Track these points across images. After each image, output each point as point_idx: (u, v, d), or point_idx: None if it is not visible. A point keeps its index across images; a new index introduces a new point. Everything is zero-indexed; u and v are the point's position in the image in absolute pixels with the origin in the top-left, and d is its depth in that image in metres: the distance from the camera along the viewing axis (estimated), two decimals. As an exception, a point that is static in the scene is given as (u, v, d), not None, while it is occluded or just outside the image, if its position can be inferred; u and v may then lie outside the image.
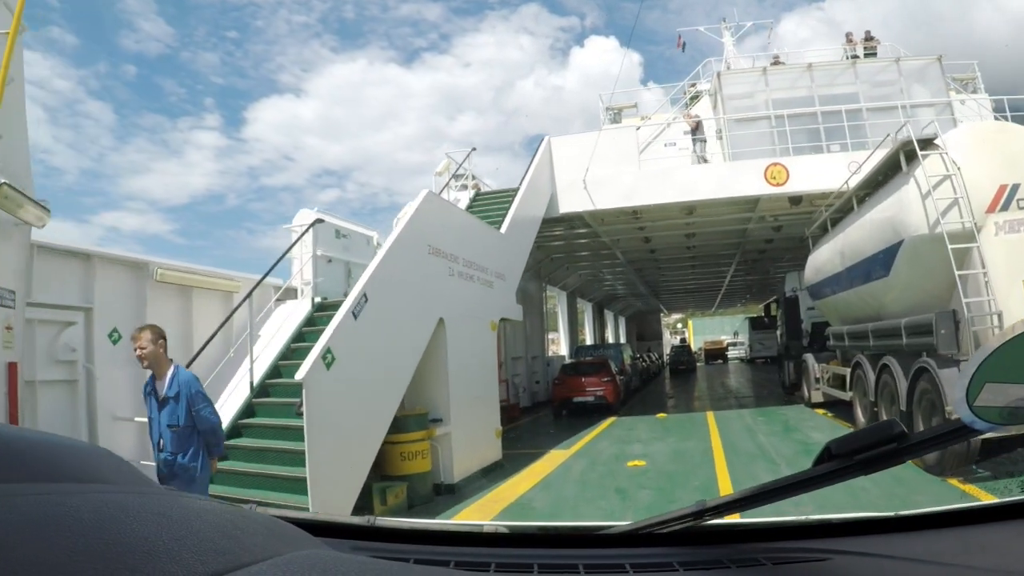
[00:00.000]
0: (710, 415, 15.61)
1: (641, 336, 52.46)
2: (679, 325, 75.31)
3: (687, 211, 17.09)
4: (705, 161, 16.04)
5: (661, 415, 16.29)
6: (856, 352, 11.38)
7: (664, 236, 20.66)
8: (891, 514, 1.15)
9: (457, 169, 16.68)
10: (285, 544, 0.74)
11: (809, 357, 15.58)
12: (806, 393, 16.03)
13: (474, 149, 16.88)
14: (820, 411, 14.19)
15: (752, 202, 16.56)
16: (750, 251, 23.73)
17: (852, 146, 15.68)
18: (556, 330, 30.04)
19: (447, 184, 16.19)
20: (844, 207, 11.98)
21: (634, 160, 15.91)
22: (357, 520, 1.29)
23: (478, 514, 7.44)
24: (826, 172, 14.99)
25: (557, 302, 28.74)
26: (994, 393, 0.83)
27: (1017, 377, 0.82)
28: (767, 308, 21.10)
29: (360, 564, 0.70)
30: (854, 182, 11.91)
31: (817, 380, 14.83)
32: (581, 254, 23.51)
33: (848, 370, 11.70)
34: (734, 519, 1.16)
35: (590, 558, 1.13)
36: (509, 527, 1.33)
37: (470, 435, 9.56)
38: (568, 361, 21.25)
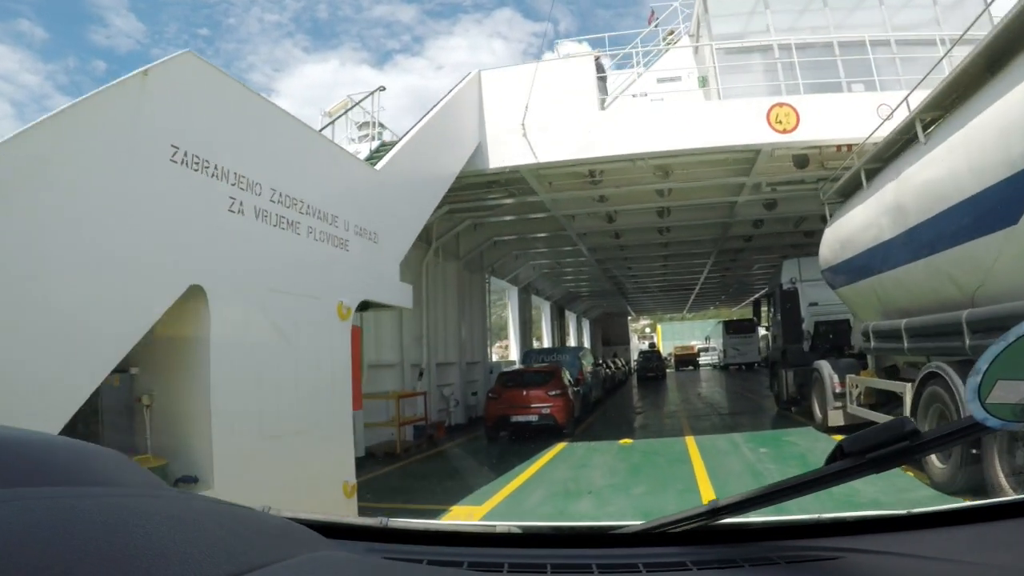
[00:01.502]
0: (690, 442, 11.53)
1: (607, 340, 49.16)
2: (648, 330, 71.84)
3: (661, 172, 13.01)
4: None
5: (625, 441, 12.17)
6: (924, 358, 7.39)
7: (632, 215, 16.61)
8: (904, 512, 1.13)
9: (351, 108, 12.35)
10: (298, 546, 0.76)
11: (823, 365, 11.59)
12: (817, 412, 12.05)
13: (382, 88, 12.60)
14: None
15: (747, 159, 12.62)
16: (734, 239, 19.86)
17: (880, 86, 11.80)
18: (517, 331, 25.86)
19: (335, 123, 11.90)
20: (882, 154, 8.20)
21: (592, 102, 11.77)
22: (369, 521, 1.30)
23: None
24: (847, 117, 11.20)
25: (507, 298, 24.53)
26: (1007, 390, 0.81)
27: None
28: (756, 305, 16.91)
29: (373, 566, 0.80)
30: (884, 132, 8.45)
31: (838, 396, 10.83)
32: (533, 237, 19.40)
33: (908, 385, 7.67)
34: (746, 518, 1.14)
35: (603, 558, 1.12)
36: (522, 527, 1.30)
37: (281, 498, 5.22)
38: (509, 368, 16.97)
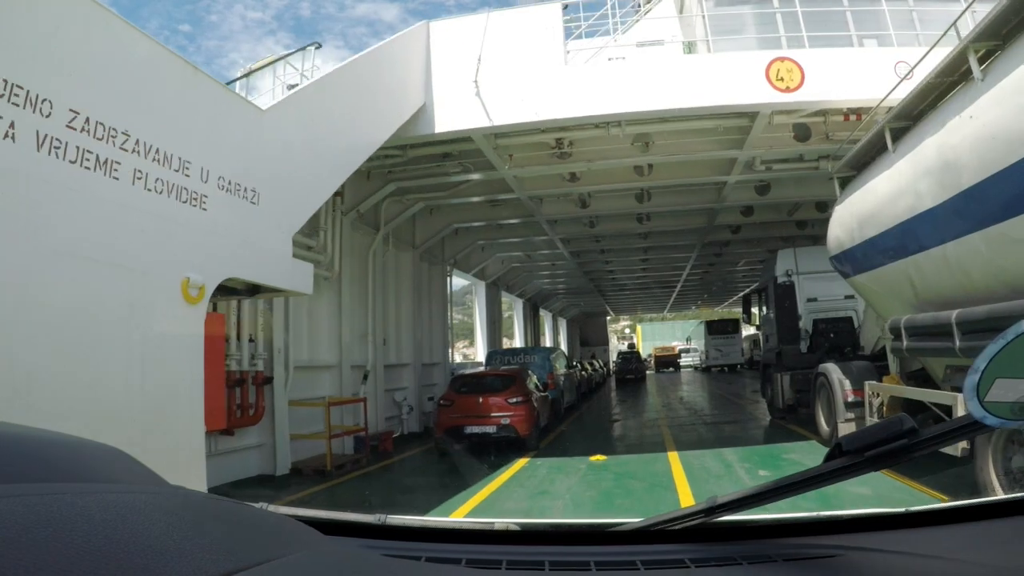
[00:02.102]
0: (674, 460, 9.69)
1: (585, 341, 47.69)
2: (627, 330, 70.31)
3: (640, 144, 11.16)
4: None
5: (597, 457, 10.27)
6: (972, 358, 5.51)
7: (607, 199, 14.79)
8: (902, 510, 1.14)
9: (275, 61, 10.33)
10: (296, 543, 0.76)
11: (832, 369, 9.78)
12: (822, 424, 10.28)
13: (317, 45, 10.59)
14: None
15: (741, 128, 10.84)
16: (721, 229, 18.11)
17: (896, 41, 10.08)
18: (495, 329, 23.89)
19: (255, 79, 9.91)
20: (913, 108, 6.52)
21: (557, 56, 9.88)
22: (367, 518, 1.28)
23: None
24: (859, 75, 9.50)
25: (474, 295, 22.58)
26: (1005, 388, 0.81)
27: None
28: (746, 301, 15.06)
29: (371, 563, 0.80)
30: (902, 92, 7.05)
31: (852, 406, 9.03)
32: (499, 226, 17.51)
33: (958, 396, 5.87)
34: (745, 516, 1.15)
35: (601, 555, 1.12)
36: (520, 524, 1.29)
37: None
38: (465, 372, 15.00)
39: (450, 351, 18.56)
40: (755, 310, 15.41)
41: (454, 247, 18.30)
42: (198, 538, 0.63)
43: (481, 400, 11.65)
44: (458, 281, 21.28)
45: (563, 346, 42.61)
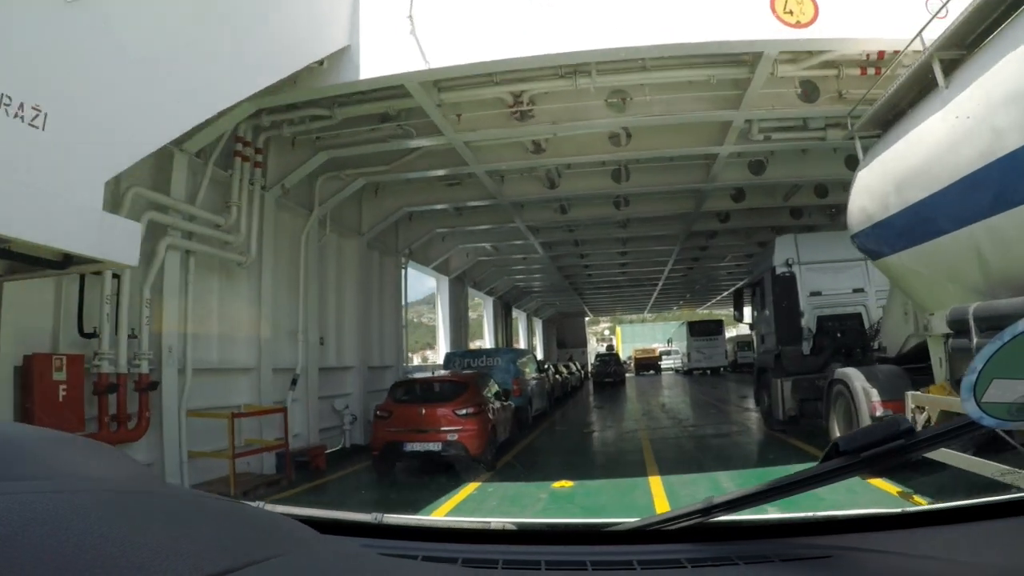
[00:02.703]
0: (656, 486, 7.82)
1: (562, 343, 45.99)
2: (607, 332, 68.63)
3: (616, 102, 9.24)
4: None
5: (562, 484, 8.31)
6: None
7: (579, 178, 12.88)
8: (897, 510, 1.14)
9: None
10: (292, 542, 0.76)
11: (854, 375, 7.90)
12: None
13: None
14: (891, 488, 6.40)
15: (737, 83, 9.00)
16: (707, 217, 16.30)
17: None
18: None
19: None
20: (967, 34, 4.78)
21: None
22: (364, 517, 1.29)
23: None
24: (882, 9, 7.62)
25: (436, 291, 20.54)
26: (1002, 389, 0.81)
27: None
28: (737, 296, 13.07)
29: (368, 562, 0.81)
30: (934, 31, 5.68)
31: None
32: (458, 211, 15.55)
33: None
34: (741, 516, 1.16)
35: (598, 555, 1.12)
36: (517, 524, 1.30)
37: None
38: (409, 376, 12.90)
39: (405, 353, 16.51)
40: (748, 307, 13.51)
41: (409, 235, 16.26)
42: (194, 536, 0.62)
43: (424, 411, 9.67)
44: (429, 282, 19.31)
45: (538, 348, 40.76)
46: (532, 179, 12.88)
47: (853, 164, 13.67)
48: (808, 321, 11.22)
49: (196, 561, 0.59)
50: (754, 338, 13.91)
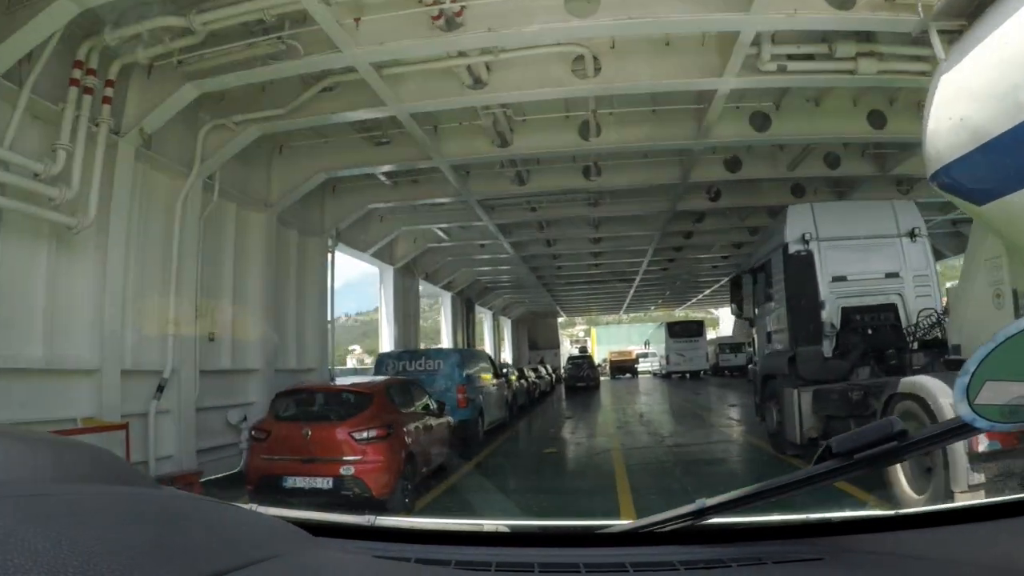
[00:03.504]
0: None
1: (534, 344, 43.63)
2: (582, 334, 66.08)
3: (580, 65, 6.58)
4: None
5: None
6: None
7: (535, 124, 10.18)
8: (891, 512, 1.14)
9: None
10: (286, 544, 0.77)
11: (936, 388, 5.22)
12: (906, 488, 5.63)
13: None
14: None
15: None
16: (694, 192, 13.68)
17: None
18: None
19: None
20: None
21: None
22: (357, 519, 1.29)
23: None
24: None
25: (380, 284, 17.68)
26: (995, 391, 0.81)
27: (1018, 374, 0.80)
28: (734, 285, 10.28)
29: (361, 564, 0.80)
30: None
31: (987, 458, 4.58)
32: (396, 180, 12.79)
33: None
34: (734, 518, 1.15)
35: (591, 558, 1.12)
36: (510, 526, 1.29)
37: None
38: (300, 384, 9.95)
39: (332, 354, 13.67)
40: (748, 299, 10.83)
41: (337, 211, 13.44)
42: (188, 538, 0.62)
43: (311, 433, 6.91)
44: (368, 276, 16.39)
45: (507, 350, 38.06)
46: (476, 132, 10.13)
47: (879, 122, 11.27)
48: (830, 314, 8.66)
49: (190, 562, 0.58)
50: (754, 337, 11.23)
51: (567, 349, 49.87)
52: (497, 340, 33.73)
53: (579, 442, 12.68)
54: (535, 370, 25.61)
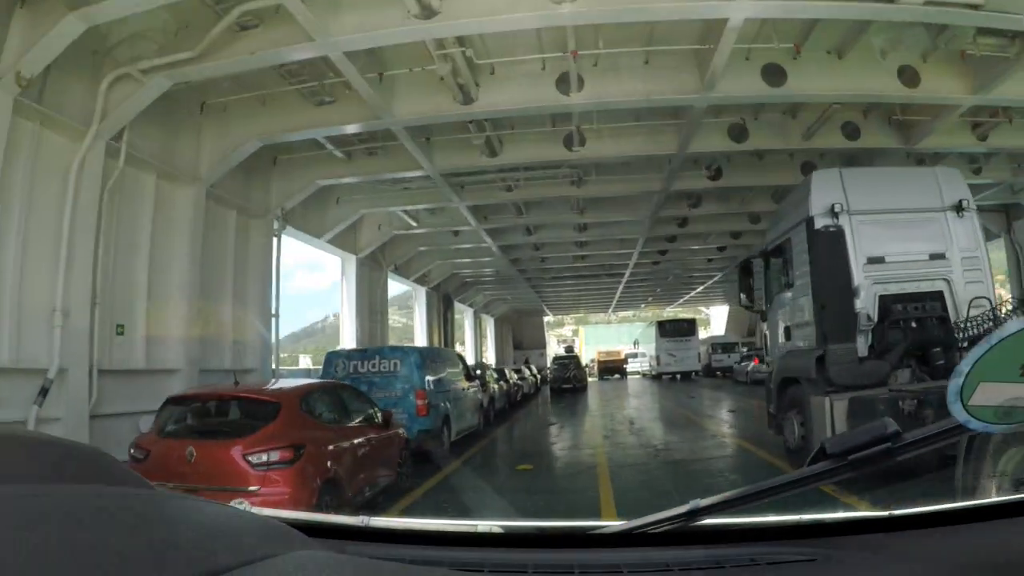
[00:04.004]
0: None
1: (519, 344, 42.19)
2: (571, 334, 64.47)
3: None
4: None
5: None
6: None
7: (505, 77, 8.52)
8: (885, 513, 1.11)
9: None
10: (280, 545, 0.76)
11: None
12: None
13: None
14: None
15: None
16: (692, 170, 12.00)
17: None
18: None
19: None
20: None
21: None
22: (351, 520, 1.28)
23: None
24: None
25: (342, 275, 15.90)
26: (988, 393, 0.82)
27: (1012, 376, 0.81)
28: (744, 271, 8.43)
29: (354, 565, 0.78)
30: None
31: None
32: (349, 149, 11.09)
33: None
34: (727, 519, 1.14)
35: (585, 560, 1.12)
36: (504, 527, 1.27)
37: None
38: (194, 390, 8.11)
39: (275, 351, 11.93)
40: (759, 289, 9.07)
41: (284, 188, 11.72)
42: (183, 539, 0.63)
43: (195, 454, 5.17)
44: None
45: (490, 350, 36.38)
46: (433, 84, 8.43)
47: (912, 79, 9.64)
48: (865, 303, 7.01)
49: (185, 563, 0.58)
50: (765, 333, 9.51)
51: (554, 349, 48.27)
52: (479, 339, 31.98)
53: (560, 456, 10.96)
54: (517, 371, 23.91)
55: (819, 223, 7.21)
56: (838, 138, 10.59)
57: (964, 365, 0.82)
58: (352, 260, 15.43)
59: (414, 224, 15.02)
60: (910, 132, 10.80)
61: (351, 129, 9.56)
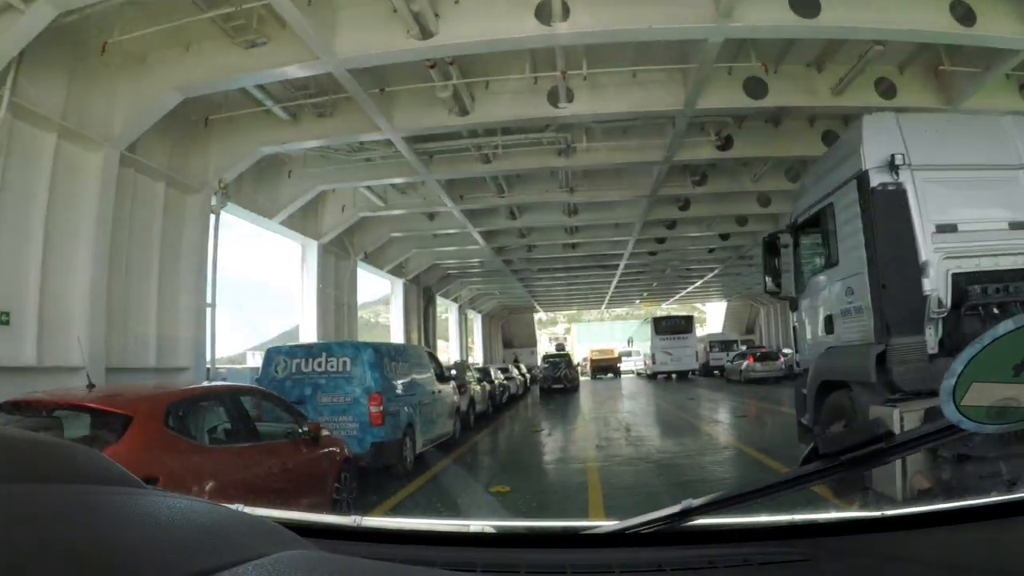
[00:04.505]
0: None
1: (510, 342, 40.85)
2: (564, 333, 62.89)
3: None
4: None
5: None
6: None
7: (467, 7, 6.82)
8: (877, 514, 1.11)
9: None
10: (272, 544, 0.75)
11: None
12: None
13: None
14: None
15: None
16: (697, 141, 10.37)
17: None
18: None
19: None
20: None
21: None
22: (343, 520, 1.29)
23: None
24: None
25: (302, 263, 14.16)
26: (981, 392, 0.82)
27: (1005, 376, 0.81)
28: (769, 248, 6.57)
29: (345, 565, 0.76)
30: None
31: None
32: (297, 107, 9.42)
33: None
34: (720, 519, 1.13)
35: (577, 559, 1.12)
36: (496, 527, 1.29)
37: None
38: (32, 394, 6.42)
39: (212, 348, 10.22)
40: (789, 267, 7.33)
41: (223, 158, 10.05)
42: (171, 538, 0.62)
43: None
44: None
45: (477, 348, 34.73)
46: (383, 16, 6.75)
47: (966, 16, 8.02)
48: (936, 284, 5.34)
49: (174, 564, 0.58)
50: (793, 323, 7.77)
51: (546, 348, 46.68)
52: (464, 337, 30.26)
53: (544, 472, 9.29)
54: (504, 370, 22.24)
55: (875, 180, 5.55)
56: (871, 95, 8.99)
57: (957, 365, 0.82)
58: (313, 246, 13.72)
59: (382, 204, 13.30)
60: (951, 90, 9.21)
61: (290, 72, 7.84)
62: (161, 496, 0.77)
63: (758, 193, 13.54)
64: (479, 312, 34.16)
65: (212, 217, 10.34)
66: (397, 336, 19.79)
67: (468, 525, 1.26)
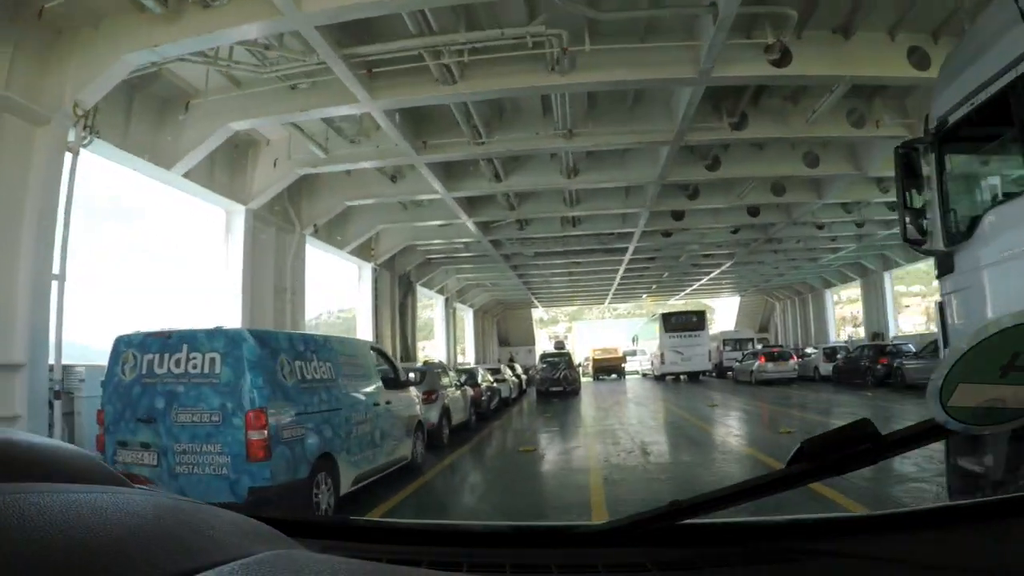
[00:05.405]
0: None
1: (505, 340, 38.63)
2: (566, 331, 59.93)
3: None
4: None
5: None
6: None
7: None
8: (865, 514, 1.10)
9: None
10: (258, 543, 0.75)
11: None
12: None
13: None
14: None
15: None
16: (710, 115, 7.49)
17: None
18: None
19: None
20: None
21: None
22: (331, 519, 1.32)
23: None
24: None
25: (227, 231, 11.15)
26: (968, 393, 0.81)
27: (991, 377, 0.79)
28: (906, 162, 3.54)
29: (332, 564, 0.73)
30: None
31: None
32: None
33: None
34: (707, 519, 1.11)
35: (563, 558, 1.11)
36: (483, 526, 1.33)
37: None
38: None
39: (58, 337, 7.29)
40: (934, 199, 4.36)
41: (79, 72, 7.13)
42: (159, 538, 0.62)
43: None
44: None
45: (469, 346, 31.81)
46: None
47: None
48: None
49: (161, 563, 0.58)
50: (939, 301, 4.68)
51: (545, 346, 43.86)
52: (452, 334, 27.25)
53: (532, 515, 6.34)
54: (494, 371, 19.32)
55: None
56: (901, 62, 6.09)
57: (944, 365, 0.81)
58: (240, 212, 10.73)
59: (323, 156, 10.21)
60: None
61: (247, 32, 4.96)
62: (146, 495, 0.72)
63: (775, 178, 10.67)
64: (470, 307, 31.16)
65: (68, 157, 7.41)
66: (365, 332, 16.74)
67: (455, 525, 1.45)
